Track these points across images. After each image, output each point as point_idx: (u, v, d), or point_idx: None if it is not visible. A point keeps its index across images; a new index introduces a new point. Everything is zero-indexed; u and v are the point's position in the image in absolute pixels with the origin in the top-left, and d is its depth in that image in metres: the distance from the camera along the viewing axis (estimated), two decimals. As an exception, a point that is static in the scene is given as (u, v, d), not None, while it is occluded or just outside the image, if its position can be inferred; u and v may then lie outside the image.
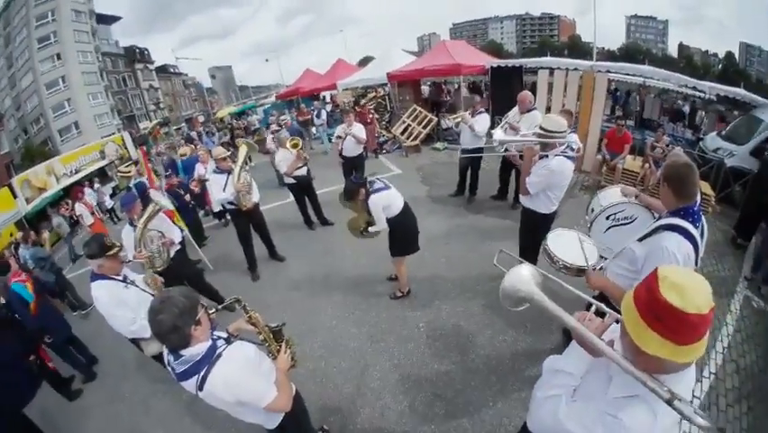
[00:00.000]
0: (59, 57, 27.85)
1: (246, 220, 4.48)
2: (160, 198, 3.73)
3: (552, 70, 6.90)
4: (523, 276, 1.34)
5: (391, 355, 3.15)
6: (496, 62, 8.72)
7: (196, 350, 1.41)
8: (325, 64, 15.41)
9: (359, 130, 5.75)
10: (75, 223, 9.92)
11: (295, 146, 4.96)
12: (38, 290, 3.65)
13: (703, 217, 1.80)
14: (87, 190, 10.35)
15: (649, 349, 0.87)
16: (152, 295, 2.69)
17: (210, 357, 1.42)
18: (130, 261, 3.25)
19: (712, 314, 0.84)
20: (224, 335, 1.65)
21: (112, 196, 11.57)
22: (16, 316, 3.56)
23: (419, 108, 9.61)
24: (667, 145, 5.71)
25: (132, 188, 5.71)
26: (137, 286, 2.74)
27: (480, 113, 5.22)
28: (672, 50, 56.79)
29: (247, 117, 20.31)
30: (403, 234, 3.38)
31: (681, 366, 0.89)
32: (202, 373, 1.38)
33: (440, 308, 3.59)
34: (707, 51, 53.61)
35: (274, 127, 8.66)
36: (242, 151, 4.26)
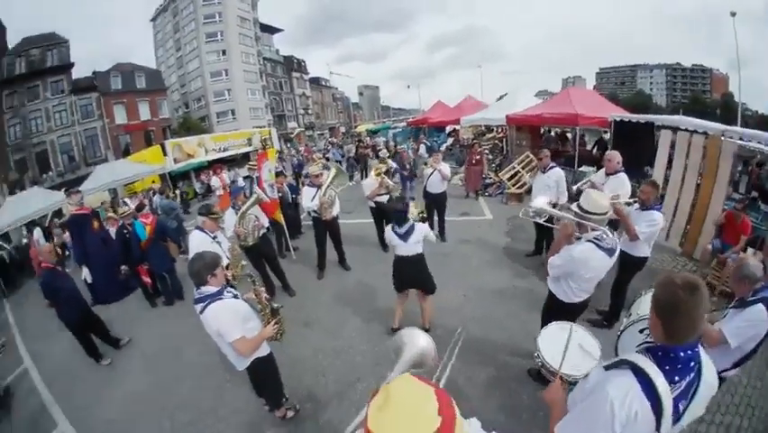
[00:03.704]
0: (223, 53, 35.75)
1: (324, 228, 5.62)
2: (262, 194, 5.44)
3: (675, 130, 6.08)
4: (416, 341, 1.22)
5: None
6: (618, 116, 8.01)
7: (208, 290, 2.31)
8: (462, 97, 16.79)
9: (445, 167, 6.35)
10: (208, 190, 13.13)
11: (378, 175, 5.89)
12: (157, 233, 5.54)
13: (705, 369, 1.29)
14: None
15: None
16: (227, 257, 4.02)
17: (214, 297, 2.29)
18: (230, 235, 4.68)
19: None
20: (236, 292, 2.51)
21: (245, 178, 14.72)
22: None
23: (532, 156, 9.51)
24: None
25: (253, 178, 7.54)
26: (220, 246, 4.05)
27: (552, 168, 5.18)
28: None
29: (376, 138, 22.80)
30: (395, 271, 3.90)
31: None
32: (205, 303, 2.26)
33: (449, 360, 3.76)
34: None
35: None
36: (332, 173, 5.47)
